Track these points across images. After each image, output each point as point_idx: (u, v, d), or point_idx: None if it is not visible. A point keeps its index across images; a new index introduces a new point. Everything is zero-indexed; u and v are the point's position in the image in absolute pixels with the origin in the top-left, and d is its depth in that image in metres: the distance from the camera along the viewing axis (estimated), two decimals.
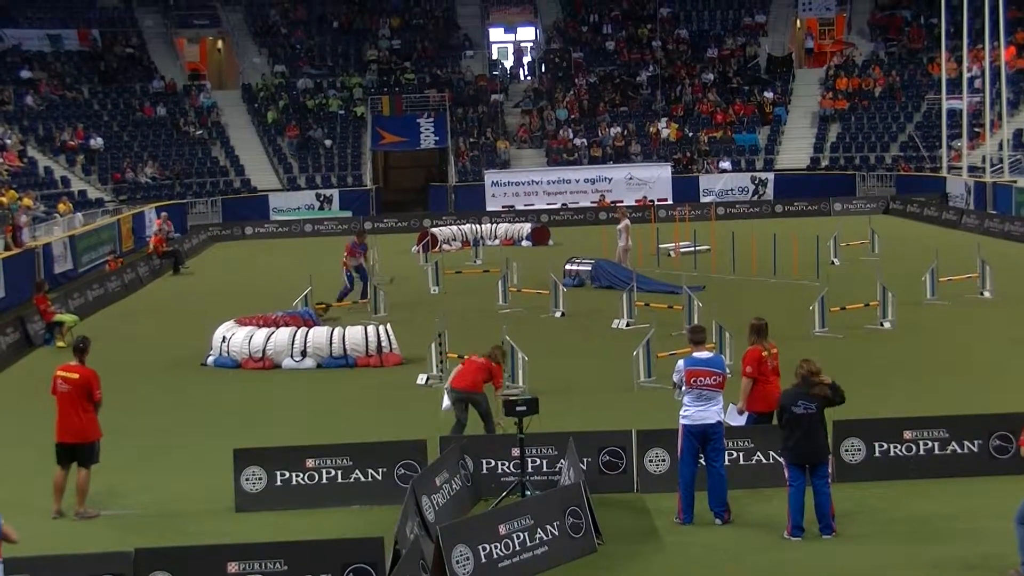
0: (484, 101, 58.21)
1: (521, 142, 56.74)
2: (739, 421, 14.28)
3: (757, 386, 13.98)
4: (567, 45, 61.36)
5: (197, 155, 53.78)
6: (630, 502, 13.81)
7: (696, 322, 20.71)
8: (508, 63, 63.89)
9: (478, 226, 43.07)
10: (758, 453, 14.03)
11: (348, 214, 50.53)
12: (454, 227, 43.12)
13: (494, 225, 44.25)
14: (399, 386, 20.15)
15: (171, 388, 21.11)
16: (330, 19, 62.46)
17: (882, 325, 23.58)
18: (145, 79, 57.05)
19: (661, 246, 34.33)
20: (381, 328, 22.35)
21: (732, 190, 52.66)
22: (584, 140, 55.48)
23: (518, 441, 13.41)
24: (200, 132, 54.88)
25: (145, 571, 10.56)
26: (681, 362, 13.25)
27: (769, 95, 57.19)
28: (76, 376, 14.02)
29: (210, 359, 22.60)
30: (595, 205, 50.72)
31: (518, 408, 13.32)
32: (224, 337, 22.45)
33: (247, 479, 14.01)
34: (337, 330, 22.34)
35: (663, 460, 14.04)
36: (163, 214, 41.94)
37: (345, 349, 21.92)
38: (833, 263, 32.46)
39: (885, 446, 14.23)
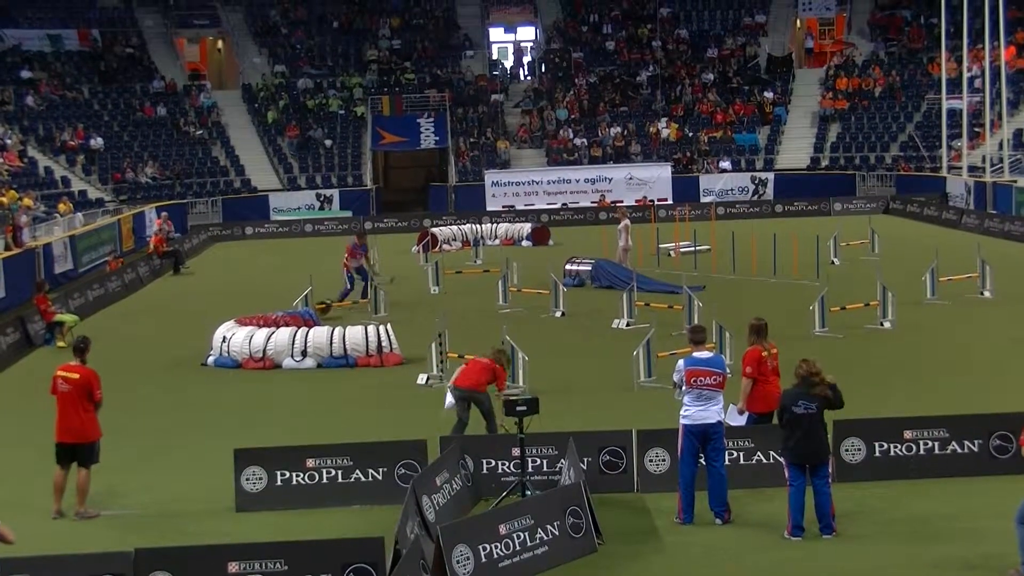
0: (484, 101, 58.22)
1: (521, 142, 56.75)
2: (739, 421, 14.28)
3: (757, 386, 13.98)
4: (567, 45, 61.37)
5: (197, 155, 53.80)
6: (630, 502, 13.81)
7: (696, 322, 20.70)
8: (508, 63, 63.90)
9: (478, 226, 43.05)
10: (758, 453, 14.03)
11: (348, 214, 50.54)
12: (454, 227, 43.12)
13: (494, 225, 44.25)
14: (399, 386, 20.15)
15: (171, 388, 21.12)
16: (330, 19, 62.46)
17: (882, 325, 23.58)
18: (145, 79, 57.06)
19: (661, 246, 34.33)
20: (381, 328, 22.35)
21: (732, 190, 52.67)
22: (584, 140, 55.49)
23: (518, 441, 13.41)
24: (200, 132, 54.89)
25: (145, 571, 10.55)
26: (681, 362, 13.25)
27: (769, 95, 57.20)
28: (76, 376, 14.02)
29: (210, 359, 22.60)
30: (595, 205, 50.73)
31: (518, 408, 13.32)
32: (224, 337, 22.46)
33: (247, 479, 14.00)
34: (337, 330, 22.34)
35: (663, 460, 14.04)
36: (163, 214, 41.96)
37: (345, 349, 21.92)
38: (833, 263, 32.46)
39: (885, 446, 14.23)
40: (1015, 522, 10.94)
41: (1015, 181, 44.06)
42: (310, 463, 14.08)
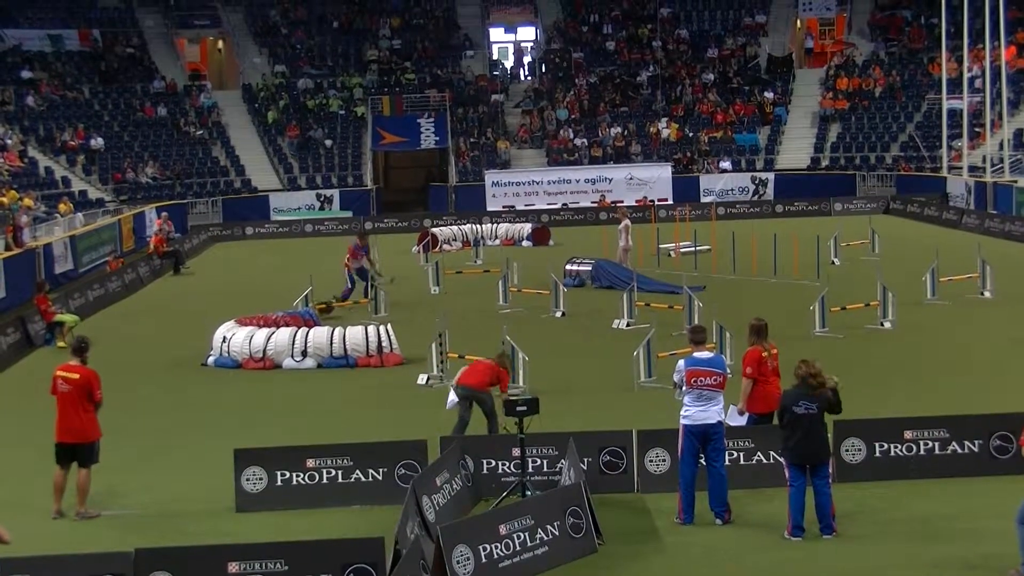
0: (484, 101, 58.22)
1: (521, 142, 56.75)
2: (739, 422, 14.28)
3: (757, 387, 13.98)
4: (567, 45, 61.37)
5: (197, 155, 53.80)
6: (630, 502, 13.80)
7: (696, 322, 20.70)
8: (508, 63, 63.91)
9: (478, 226, 43.04)
10: (758, 453, 14.02)
11: (348, 214, 50.55)
12: (454, 227, 43.12)
13: (494, 225, 44.24)
14: (399, 386, 20.15)
15: (171, 388, 21.11)
16: (330, 19, 62.47)
17: (882, 325, 23.57)
18: (146, 79, 57.08)
19: (661, 246, 34.32)
20: (382, 328, 22.35)
21: (732, 190, 52.67)
22: (584, 140, 55.49)
23: (518, 441, 13.41)
24: (200, 132, 54.89)
25: (145, 571, 10.54)
26: (682, 362, 13.25)
27: (769, 95, 57.20)
28: (76, 376, 14.01)
29: (210, 359, 22.60)
30: (595, 205, 50.73)
31: (518, 408, 13.32)
32: (224, 337, 22.45)
33: (247, 479, 14.00)
34: (337, 330, 22.34)
35: (663, 460, 14.04)
36: (163, 214, 41.96)
37: (346, 349, 21.92)
38: (833, 263, 32.46)
39: (885, 446, 14.23)
40: (1015, 522, 10.94)
41: (1015, 181, 44.06)
42: (310, 463, 14.07)
